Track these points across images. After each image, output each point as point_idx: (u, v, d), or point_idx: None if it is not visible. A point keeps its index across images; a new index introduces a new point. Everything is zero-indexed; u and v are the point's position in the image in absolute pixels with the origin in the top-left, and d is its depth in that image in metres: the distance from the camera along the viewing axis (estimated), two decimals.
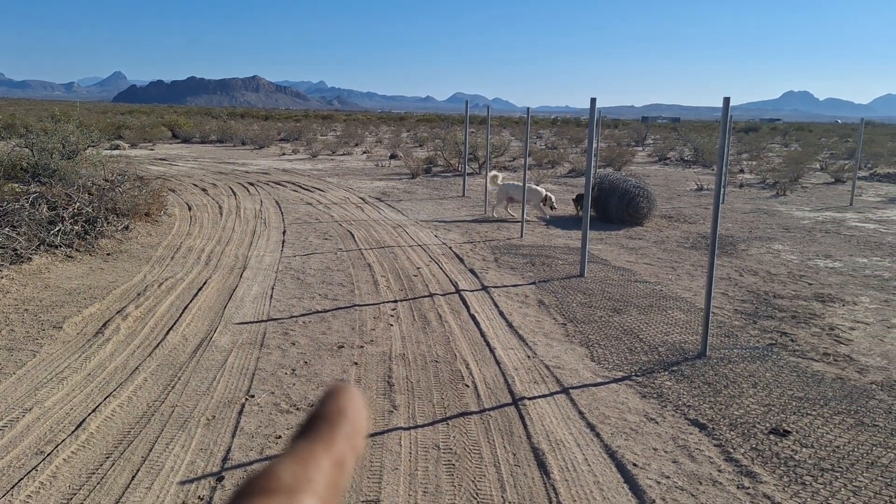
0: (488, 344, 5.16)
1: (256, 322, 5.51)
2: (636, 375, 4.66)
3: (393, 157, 22.95)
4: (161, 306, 5.77)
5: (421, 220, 10.82)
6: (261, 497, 0.28)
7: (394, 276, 7.08)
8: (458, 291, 6.60)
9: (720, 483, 3.33)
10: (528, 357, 4.94)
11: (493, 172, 12.02)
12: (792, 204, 14.16)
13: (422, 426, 3.80)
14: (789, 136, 48.47)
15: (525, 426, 3.85)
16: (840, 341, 5.49)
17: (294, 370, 4.55)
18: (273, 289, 6.50)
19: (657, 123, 79.76)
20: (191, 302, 5.91)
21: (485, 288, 6.79)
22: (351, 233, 9.45)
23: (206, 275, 6.90)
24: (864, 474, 3.43)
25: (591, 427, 3.87)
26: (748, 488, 3.29)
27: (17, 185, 9.17)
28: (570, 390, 4.38)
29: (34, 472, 3.20)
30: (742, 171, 20.90)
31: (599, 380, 4.57)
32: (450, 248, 8.69)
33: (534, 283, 7.06)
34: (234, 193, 13.16)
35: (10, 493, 3.04)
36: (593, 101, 7.40)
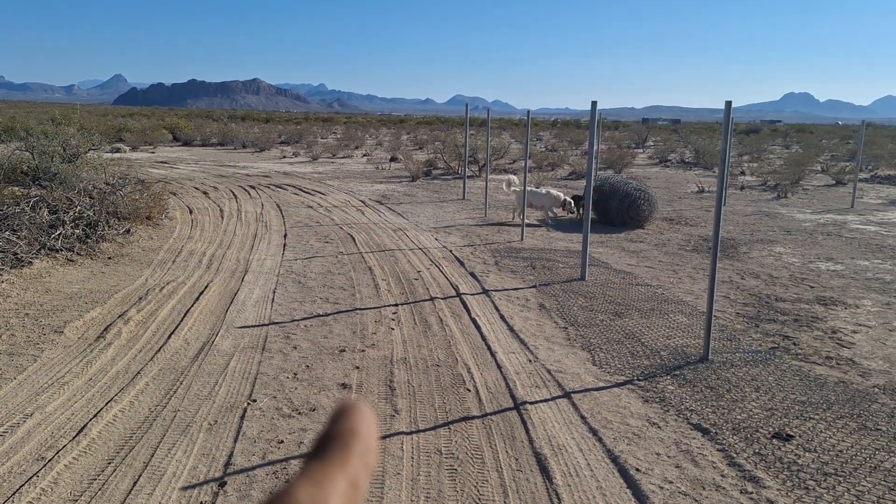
0: (489, 348, 5.15)
1: (258, 326, 5.51)
2: (638, 379, 4.65)
3: (393, 159, 22.96)
4: (163, 310, 5.76)
5: (421, 223, 10.82)
6: None
7: (394, 280, 7.07)
8: (458, 295, 6.59)
9: (723, 488, 3.32)
10: (530, 361, 4.93)
11: (509, 177, 12.04)
12: (793, 206, 14.16)
13: (423, 431, 3.80)
14: (790, 137, 48.48)
15: (527, 431, 3.84)
16: (842, 345, 5.48)
17: (296, 374, 4.54)
18: (274, 292, 6.49)
19: (658, 125, 79.80)
20: (192, 306, 5.91)
21: (486, 291, 6.78)
22: (352, 236, 9.45)
23: (208, 278, 6.90)
24: (868, 479, 3.42)
25: (594, 432, 3.86)
26: (751, 493, 3.28)
27: (17, 188, 9.18)
28: (572, 394, 4.37)
29: (35, 477, 3.20)
30: (743, 173, 20.89)
31: (601, 384, 4.57)
32: (450, 251, 8.69)
33: (535, 286, 7.05)
34: (236, 196, 13.16)
35: (12, 499, 3.03)
36: (594, 104, 7.40)
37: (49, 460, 3.35)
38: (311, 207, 12.12)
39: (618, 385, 4.55)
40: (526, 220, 9.99)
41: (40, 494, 3.07)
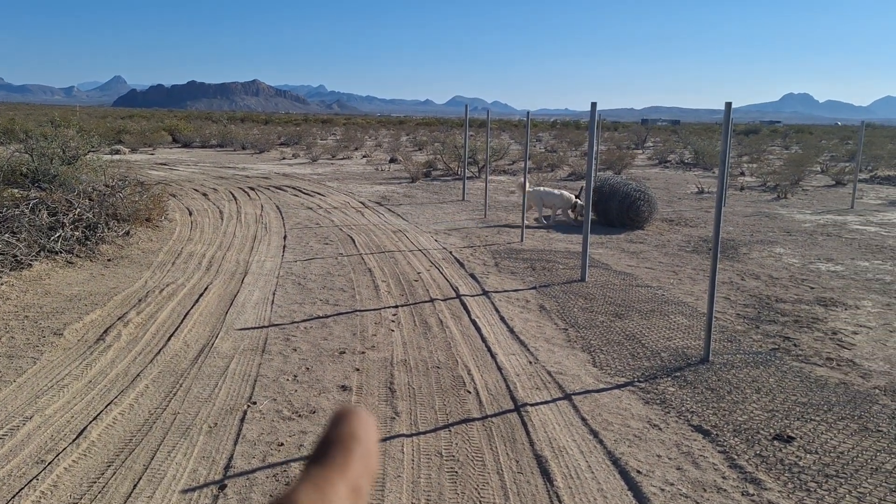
0: (490, 349, 5.15)
1: (258, 328, 5.50)
2: (639, 381, 4.65)
3: (392, 160, 22.96)
4: (162, 312, 5.75)
5: (421, 225, 10.81)
6: None
7: (394, 281, 7.07)
8: (458, 296, 6.59)
9: (724, 490, 3.31)
10: (530, 363, 4.93)
11: (521, 181, 12.06)
12: (793, 207, 14.16)
13: (424, 433, 3.79)
14: (790, 138, 48.50)
15: (528, 433, 3.83)
16: (843, 346, 5.47)
17: (296, 376, 4.53)
18: (274, 294, 6.49)
19: (657, 126, 79.85)
20: (192, 308, 5.90)
21: (485, 293, 6.78)
22: (351, 237, 9.44)
23: (208, 280, 6.89)
24: (869, 480, 3.41)
25: (595, 434, 3.85)
26: (752, 495, 3.27)
27: (16, 190, 9.17)
28: (573, 396, 4.36)
29: (35, 481, 3.19)
30: (742, 173, 20.90)
31: (602, 386, 4.56)
32: (450, 252, 8.68)
33: (535, 287, 7.05)
34: (235, 198, 13.16)
35: (11, 502, 3.02)
36: (594, 105, 7.40)
37: (49, 463, 3.34)
38: (311, 209, 12.11)
39: (618, 387, 4.55)
40: (526, 222, 9.99)
41: (40, 497, 3.07)
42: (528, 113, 10.43)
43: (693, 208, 13.45)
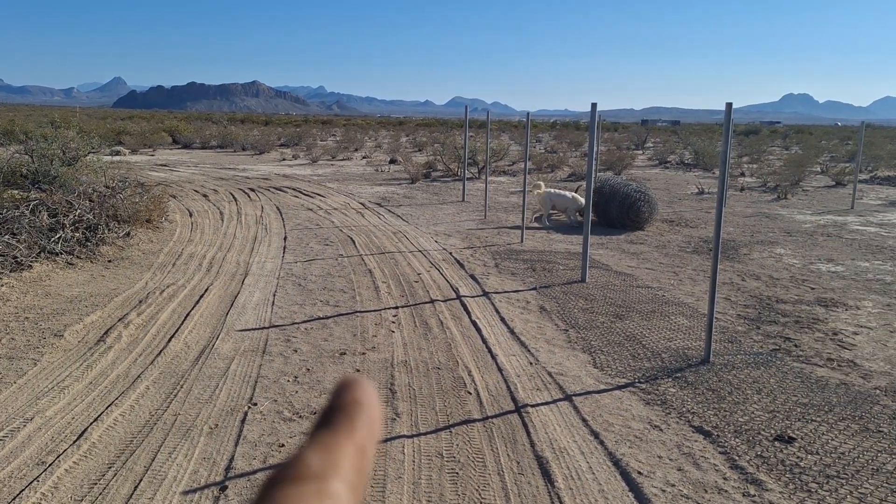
0: (490, 350, 5.15)
1: (258, 329, 5.50)
2: (639, 382, 4.65)
3: (392, 161, 22.96)
4: (163, 314, 5.75)
5: (421, 226, 10.81)
6: (292, 484, 0.29)
7: (395, 282, 7.06)
8: (459, 297, 6.59)
9: (726, 491, 3.31)
10: (531, 364, 4.93)
11: (536, 182, 12.14)
12: (793, 207, 14.16)
13: (425, 434, 3.79)
14: (789, 138, 48.51)
15: (528, 434, 3.83)
16: (844, 346, 5.47)
17: (296, 377, 4.53)
18: (275, 295, 6.49)
19: (657, 126, 79.87)
20: (192, 309, 5.90)
21: (486, 294, 6.78)
22: (351, 238, 9.44)
23: (208, 281, 6.89)
24: (870, 481, 3.41)
25: (595, 435, 3.85)
26: (754, 496, 3.27)
27: (17, 191, 9.17)
28: (573, 397, 4.36)
29: (36, 482, 3.19)
30: (743, 174, 20.90)
31: (602, 387, 4.56)
32: (450, 253, 8.68)
33: (535, 288, 7.04)
34: (235, 199, 13.16)
35: None
36: (594, 105, 7.40)
37: (49, 465, 3.34)
38: (311, 210, 12.12)
39: (619, 387, 4.55)
40: (525, 222, 10.00)
41: (41, 499, 3.07)
42: (527, 114, 10.43)
43: (693, 209, 13.45)
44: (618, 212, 10.79)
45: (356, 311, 6.04)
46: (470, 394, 4.34)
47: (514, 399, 4.29)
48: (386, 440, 3.71)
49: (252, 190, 14.73)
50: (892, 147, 29.95)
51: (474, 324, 5.77)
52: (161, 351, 4.92)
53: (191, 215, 11.01)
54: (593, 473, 3.44)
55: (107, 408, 3.98)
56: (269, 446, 3.61)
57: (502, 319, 5.95)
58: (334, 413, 0.33)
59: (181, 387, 4.32)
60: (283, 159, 24.29)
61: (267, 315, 5.87)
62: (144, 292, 6.38)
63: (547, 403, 4.26)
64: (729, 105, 5.01)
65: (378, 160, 24.30)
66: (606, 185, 11.15)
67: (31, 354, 4.76)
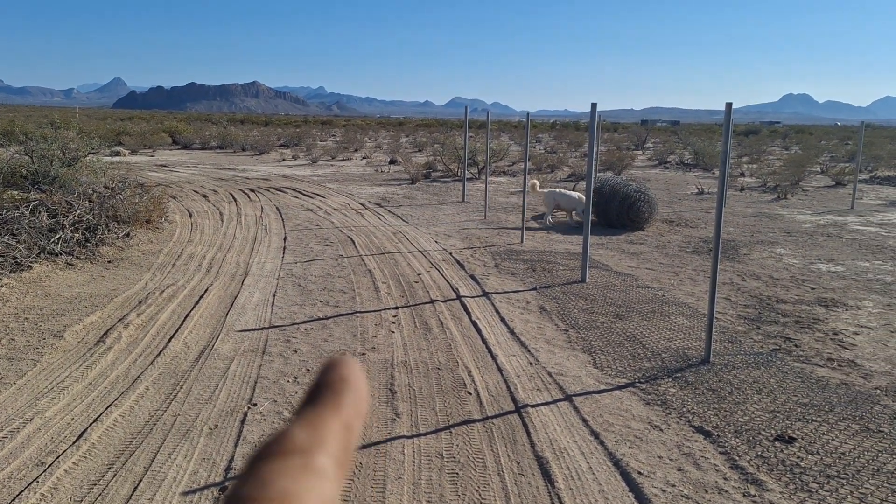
0: (490, 351, 5.14)
1: (258, 329, 5.50)
2: (639, 382, 4.64)
3: (392, 162, 22.96)
4: (163, 314, 5.75)
5: (421, 226, 10.81)
6: (278, 458, 0.29)
7: (395, 283, 7.06)
8: (459, 297, 6.58)
9: (726, 491, 3.31)
10: (531, 364, 4.92)
11: (533, 181, 12.13)
12: (793, 207, 14.16)
13: (424, 434, 3.78)
14: (789, 138, 48.51)
15: (528, 434, 3.83)
16: (844, 346, 5.47)
17: (296, 378, 4.53)
18: (274, 296, 6.48)
19: (657, 126, 79.88)
20: (192, 309, 5.89)
21: (486, 294, 6.77)
22: (351, 239, 9.44)
23: (208, 282, 6.89)
24: (871, 481, 3.41)
25: (595, 435, 3.85)
26: (754, 496, 3.27)
27: (16, 192, 9.17)
28: (574, 397, 4.36)
29: (35, 483, 3.18)
30: (742, 174, 20.90)
31: (603, 387, 4.55)
32: (450, 253, 8.68)
33: (535, 288, 7.04)
34: (235, 200, 13.15)
35: None
36: (594, 105, 7.40)
37: (49, 465, 3.34)
38: (311, 210, 12.11)
39: (619, 388, 4.54)
40: (525, 223, 9.99)
41: (40, 500, 3.06)
42: (527, 114, 10.43)
43: (693, 209, 13.45)
44: (618, 212, 10.79)
45: (356, 312, 6.03)
46: (470, 394, 4.34)
47: (514, 399, 4.28)
48: (386, 441, 3.70)
49: (252, 190, 14.73)
50: (892, 147, 29.96)
51: (474, 324, 5.77)
52: (161, 351, 4.92)
53: (190, 216, 11.01)
54: (593, 474, 3.43)
55: (106, 408, 3.97)
56: None
57: (502, 320, 5.95)
58: (321, 390, 0.33)
59: (181, 387, 4.32)
60: (283, 160, 24.29)
61: (267, 315, 5.86)
62: (144, 293, 6.37)
63: (547, 404, 4.25)
64: (729, 105, 5.00)
65: (378, 161, 24.30)
66: (606, 186, 11.15)
67: (30, 355, 4.76)
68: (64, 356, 4.76)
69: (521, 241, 9.63)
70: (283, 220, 10.98)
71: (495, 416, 4.04)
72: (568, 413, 4.13)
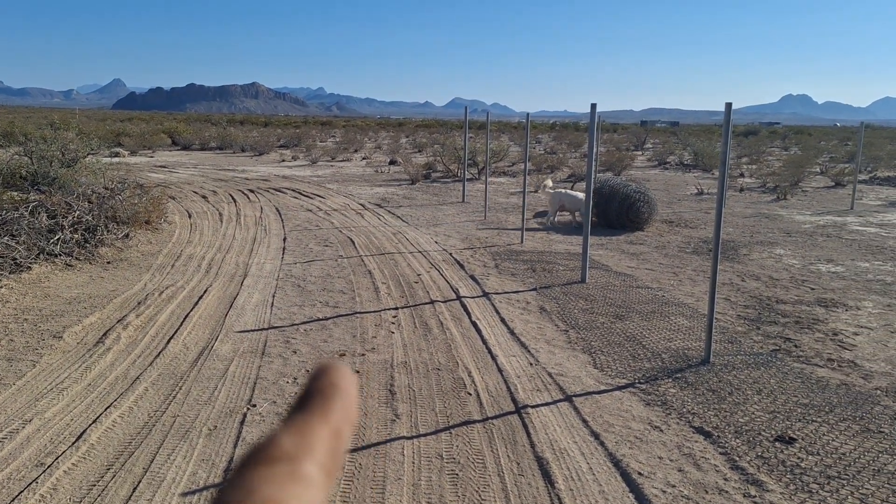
0: (490, 351, 5.14)
1: (257, 330, 5.49)
2: (640, 383, 4.64)
3: (392, 162, 22.95)
4: (162, 315, 5.74)
5: (421, 227, 10.80)
6: (264, 464, 0.29)
7: (394, 283, 7.06)
8: (459, 298, 6.58)
9: (726, 492, 3.30)
10: (531, 364, 4.92)
11: (546, 181, 12.19)
12: (793, 208, 14.16)
13: (424, 435, 3.78)
14: (789, 139, 48.52)
15: (528, 435, 3.82)
16: (844, 347, 5.46)
17: (296, 379, 4.52)
18: (274, 296, 6.48)
19: (656, 127, 79.91)
20: (192, 310, 5.89)
21: (486, 294, 6.77)
22: (351, 239, 9.44)
23: (207, 283, 6.88)
24: (871, 481, 3.40)
25: (596, 435, 3.84)
26: (754, 497, 3.26)
27: (16, 193, 9.16)
28: (574, 398, 4.35)
29: (35, 484, 3.18)
30: (742, 175, 20.90)
31: (603, 387, 4.55)
32: (450, 254, 8.67)
33: (535, 289, 7.04)
34: (235, 200, 13.15)
35: None
36: (593, 106, 7.39)
37: (48, 466, 3.33)
38: (311, 211, 12.11)
39: (619, 388, 4.54)
40: (525, 223, 9.99)
41: (39, 501, 3.05)
42: (527, 115, 10.43)
43: (693, 209, 13.44)
44: (617, 212, 10.78)
45: (356, 312, 6.03)
46: (470, 395, 4.34)
47: (514, 400, 4.28)
48: (385, 441, 3.70)
49: (251, 191, 14.73)
50: (892, 148, 29.98)
51: (474, 324, 5.76)
52: (160, 352, 4.91)
53: (190, 216, 11.00)
54: (594, 474, 3.43)
55: (105, 409, 3.97)
56: None
57: (502, 320, 5.95)
58: (310, 396, 0.33)
59: (180, 388, 4.31)
60: (283, 160, 24.29)
61: (266, 316, 5.86)
62: (143, 294, 6.37)
63: (547, 404, 4.25)
64: (728, 105, 5.00)
65: (378, 161, 24.29)
66: (606, 186, 11.14)
67: (29, 356, 4.75)
68: (63, 357, 4.76)
69: (521, 242, 9.62)
70: (282, 220, 10.98)
71: (495, 417, 4.04)
72: (568, 414, 4.12)
